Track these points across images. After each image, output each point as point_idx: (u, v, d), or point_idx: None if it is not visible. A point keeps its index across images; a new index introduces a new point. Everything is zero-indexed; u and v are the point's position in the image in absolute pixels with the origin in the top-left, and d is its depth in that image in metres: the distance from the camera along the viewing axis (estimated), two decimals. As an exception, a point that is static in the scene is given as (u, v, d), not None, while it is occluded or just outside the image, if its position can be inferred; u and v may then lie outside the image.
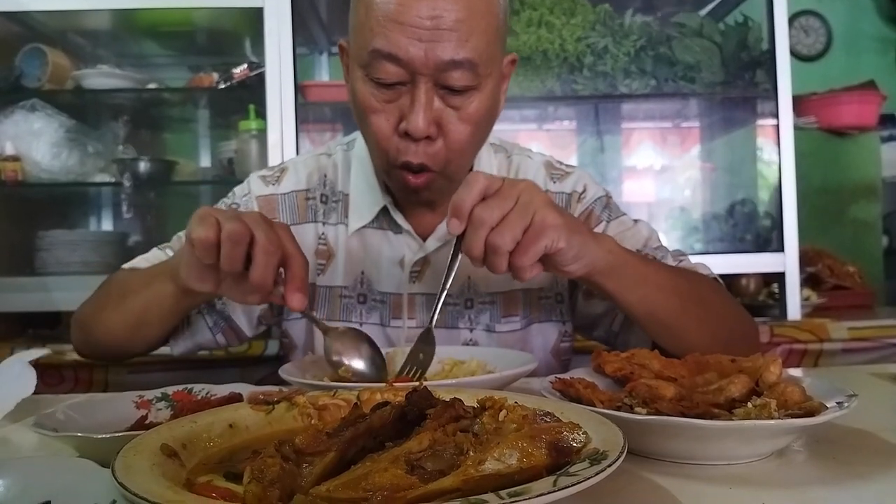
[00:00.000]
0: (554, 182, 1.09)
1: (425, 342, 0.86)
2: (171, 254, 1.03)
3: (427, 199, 0.99)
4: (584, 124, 2.44)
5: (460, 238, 0.76)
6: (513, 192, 0.74)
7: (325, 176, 1.09)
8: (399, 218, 1.03)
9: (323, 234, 1.07)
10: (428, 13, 0.82)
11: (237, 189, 1.10)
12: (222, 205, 1.08)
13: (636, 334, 0.99)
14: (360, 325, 1.04)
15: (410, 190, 0.94)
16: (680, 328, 0.88)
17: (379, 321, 1.05)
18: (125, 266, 1.06)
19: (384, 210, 1.03)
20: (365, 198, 1.04)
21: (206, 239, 0.72)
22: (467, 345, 1.04)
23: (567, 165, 1.13)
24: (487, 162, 1.08)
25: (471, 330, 1.05)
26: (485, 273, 0.99)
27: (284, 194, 1.07)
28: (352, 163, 1.08)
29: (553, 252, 0.75)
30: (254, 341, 1.87)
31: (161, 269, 0.90)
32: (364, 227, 1.04)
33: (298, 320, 1.08)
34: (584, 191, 1.08)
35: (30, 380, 0.82)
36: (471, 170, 1.03)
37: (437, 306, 0.83)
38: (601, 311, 1.05)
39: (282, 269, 0.77)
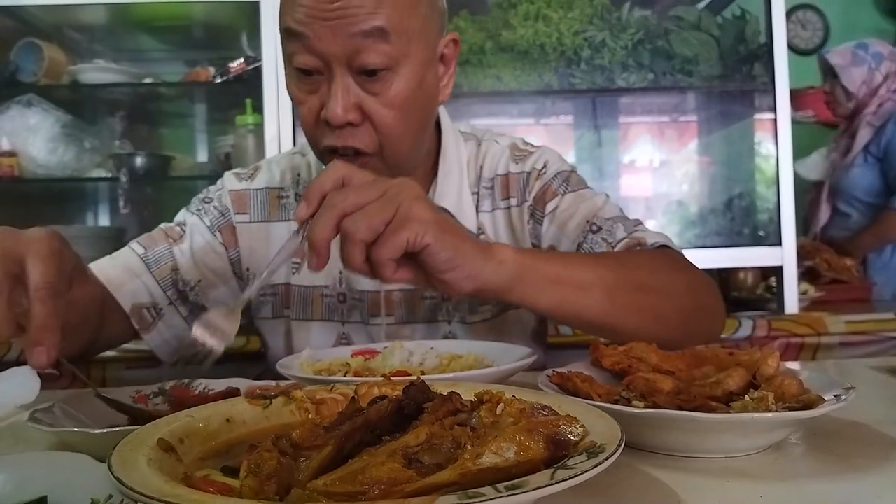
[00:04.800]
0: (516, 163, 1.06)
1: (226, 317, 0.70)
2: (137, 247, 1.02)
3: None
4: (581, 118, 2.44)
5: (302, 229, 0.68)
6: (380, 185, 0.66)
7: (299, 175, 1.09)
8: None
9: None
10: None
11: (211, 187, 1.10)
12: (196, 199, 1.09)
13: None
14: (343, 324, 1.05)
15: None
16: (614, 323, 0.82)
17: (360, 319, 1.05)
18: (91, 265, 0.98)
19: None
20: None
21: None
22: (447, 338, 1.04)
23: (532, 145, 1.09)
24: (455, 151, 1.04)
25: (449, 322, 1.05)
26: None
27: (257, 190, 1.07)
28: (325, 161, 1.06)
29: (420, 249, 0.65)
30: (251, 336, 1.87)
31: None
32: None
33: (268, 320, 1.08)
34: (544, 167, 1.04)
35: (33, 388, 0.83)
36: (437, 159, 1.02)
37: (246, 293, 0.72)
38: None
39: None
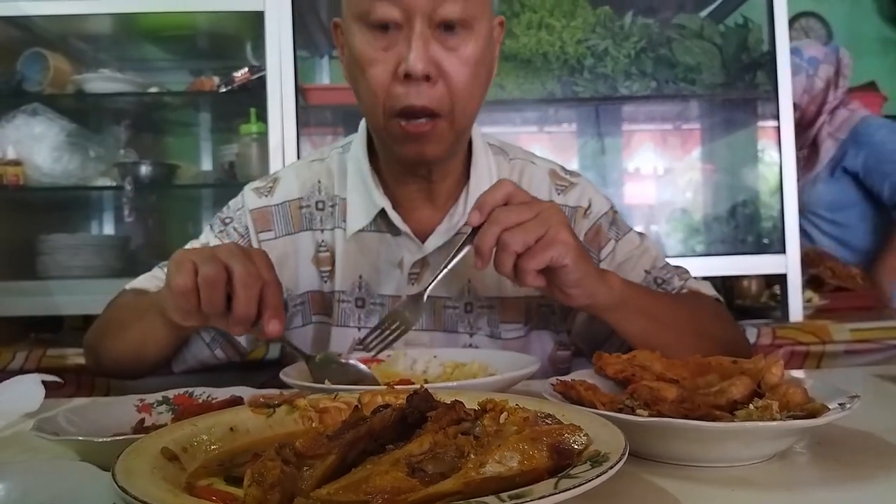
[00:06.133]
0: (559, 194, 1.08)
1: (414, 304, 0.89)
2: None
3: (431, 157, 0.95)
4: (584, 126, 2.44)
5: (474, 231, 0.81)
6: (536, 206, 0.80)
7: (319, 182, 1.08)
8: (397, 220, 1.01)
9: (322, 241, 1.06)
10: None
11: (232, 202, 1.10)
12: (217, 219, 1.09)
13: None
14: (359, 329, 1.05)
15: (414, 142, 0.91)
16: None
17: None
18: (128, 287, 1.07)
19: (381, 213, 1.02)
20: (362, 200, 1.03)
21: (183, 286, 0.76)
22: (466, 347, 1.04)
23: (571, 174, 1.11)
24: (485, 162, 1.06)
25: (470, 335, 1.05)
26: (482, 276, 0.99)
27: (278, 205, 1.07)
28: (348, 166, 1.07)
29: (558, 268, 0.79)
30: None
31: (151, 303, 0.91)
32: (361, 230, 1.03)
33: (300, 328, 1.08)
34: (589, 206, 1.07)
35: (37, 397, 0.84)
36: (469, 166, 1.03)
37: (435, 278, 0.86)
38: (608, 333, 1.04)
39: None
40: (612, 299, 0.86)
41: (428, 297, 1.02)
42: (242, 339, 1.07)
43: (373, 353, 0.89)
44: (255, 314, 0.78)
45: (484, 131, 1.09)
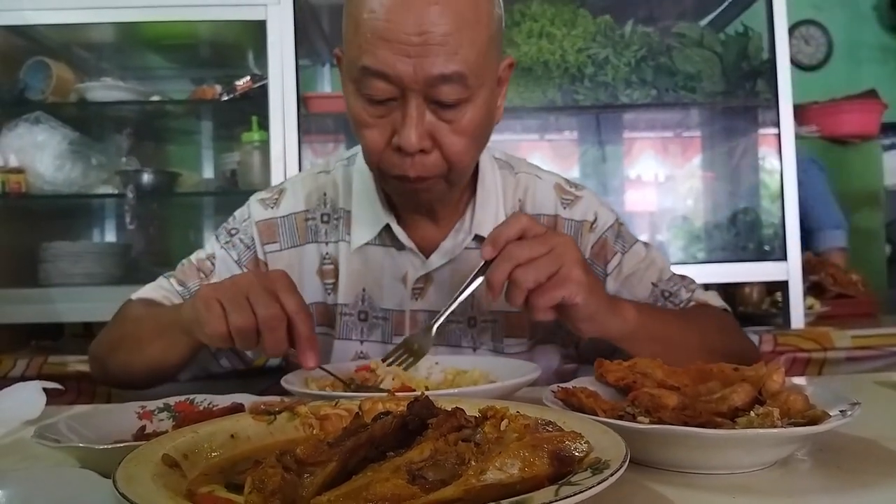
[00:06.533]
0: (565, 208, 1.07)
1: (423, 336, 0.90)
2: (176, 285, 1.05)
3: (428, 202, 0.97)
4: (585, 134, 2.44)
5: (486, 264, 0.82)
6: (550, 241, 0.80)
7: (325, 195, 1.08)
8: (402, 235, 1.01)
9: (327, 253, 1.06)
10: (415, 29, 0.80)
11: (238, 213, 1.10)
12: (223, 230, 1.09)
13: None
14: (361, 342, 1.05)
15: (409, 193, 0.93)
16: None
17: (381, 338, 1.05)
18: (134, 297, 1.07)
19: (386, 227, 1.02)
20: (367, 214, 1.03)
21: (218, 334, 0.78)
22: None
23: (576, 187, 1.10)
24: (492, 177, 1.05)
25: (474, 349, 1.04)
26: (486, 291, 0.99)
27: (283, 217, 1.07)
28: (353, 178, 1.06)
29: (569, 305, 0.80)
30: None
31: (172, 319, 0.92)
32: (366, 244, 1.03)
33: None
34: (595, 219, 1.07)
35: (38, 404, 0.84)
36: (476, 177, 1.03)
37: (445, 311, 0.87)
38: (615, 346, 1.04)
39: None
40: (625, 331, 0.86)
41: (430, 311, 1.02)
42: (248, 351, 1.07)
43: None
44: (286, 347, 0.80)
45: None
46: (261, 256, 1.06)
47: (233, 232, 1.08)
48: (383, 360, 0.91)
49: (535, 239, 0.80)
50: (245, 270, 1.05)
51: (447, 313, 0.87)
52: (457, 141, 0.87)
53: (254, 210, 1.08)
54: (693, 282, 1.07)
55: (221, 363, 1.07)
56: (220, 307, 0.78)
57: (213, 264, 1.06)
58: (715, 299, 1.05)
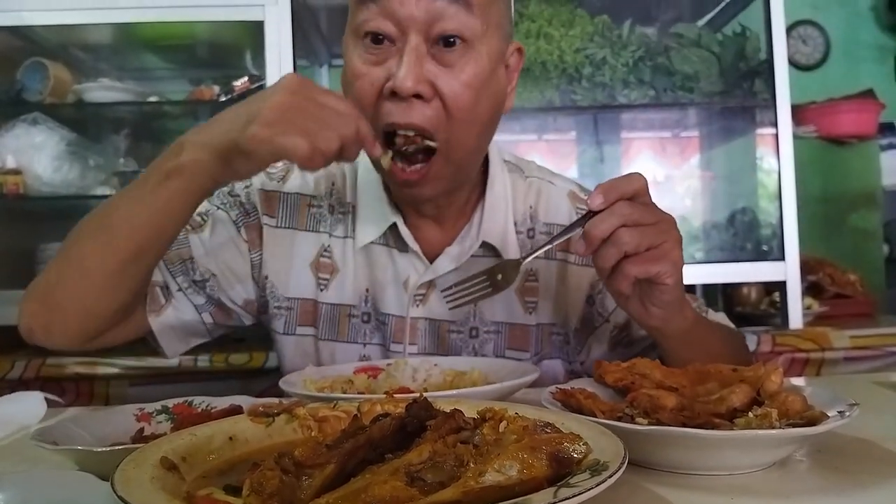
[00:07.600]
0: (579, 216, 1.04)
1: (512, 268, 0.82)
2: None
3: (428, 198, 0.91)
4: (583, 134, 2.45)
5: (588, 215, 0.75)
6: (658, 213, 0.75)
7: (333, 185, 1.03)
8: (408, 237, 0.97)
9: (328, 246, 1.01)
10: None
11: (237, 182, 1.01)
12: (218, 193, 1.00)
13: None
14: (365, 346, 1.01)
15: (406, 184, 0.86)
16: None
17: (381, 342, 1.01)
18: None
19: (391, 227, 0.98)
20: (373, 212, 0.98)
21: (309, 154, 0.70)
22: None
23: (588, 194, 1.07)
24: (501, 180, 1.01)
25: None
26: (490, 300, 0.95)
27: (287, 193, 1.01)
28: (358, 173, 1.02)
29: (657, 283, 0.76)
30: (255, 353, 1.87)
31: (166, 170, 0.78)
32: (370, 243, 0.99)
33: (280, 335, 1.02)
34: None
35: (38, 413, 0.85)
36: (485, 182, 0.99)
37: (539, 249, 0.80)
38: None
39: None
40: (681, 329, 0.83)
41: (431, 319, 0.99)
42: (234, 307, 1.00)
43: (450, 307, 0.86)
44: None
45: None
46: (261, 225, 0.99)
47: (233, 194, 1.01)
48: (455, 285, 0.83)
49: (645, 205, 0.74)
50: (242, 233, 0.99)
51: (539, 252, 0.80)
52: (460, 91, 0.81)
53: (256, 179, 1.01)
54: (703, 303, 1.05)
55: (204, 319, 0.99)
56: (301, 129, 0.69)
57: (203, 219, 0.98)
58: (725, 321, 1.04)
